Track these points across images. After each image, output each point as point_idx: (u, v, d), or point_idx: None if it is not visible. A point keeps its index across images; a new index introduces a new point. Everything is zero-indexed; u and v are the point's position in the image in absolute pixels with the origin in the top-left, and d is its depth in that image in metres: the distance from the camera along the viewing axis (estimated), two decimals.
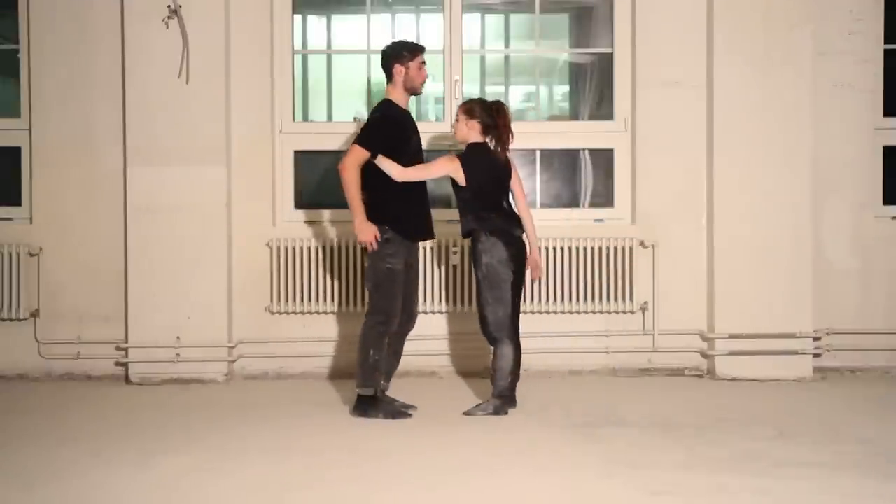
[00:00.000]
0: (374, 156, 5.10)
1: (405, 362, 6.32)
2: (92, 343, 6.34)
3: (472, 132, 5.28)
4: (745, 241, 6.21)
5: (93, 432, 4.89)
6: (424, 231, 5.33)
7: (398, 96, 5.26)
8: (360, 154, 5.09)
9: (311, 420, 5.15)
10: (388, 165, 5.10)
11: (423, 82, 5.31)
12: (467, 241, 5.41)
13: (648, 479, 4.00)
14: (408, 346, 6.22)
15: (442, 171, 5.24)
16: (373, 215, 5.12)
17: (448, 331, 6.37)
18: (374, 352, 5.10)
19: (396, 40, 5.41)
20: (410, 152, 5.22)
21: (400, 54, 5.25)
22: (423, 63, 5.29)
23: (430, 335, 6.25)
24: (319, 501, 3.81)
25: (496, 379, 5.20)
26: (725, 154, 6.23)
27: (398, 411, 5.17)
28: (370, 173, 5.15)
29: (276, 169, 6.45)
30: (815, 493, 3.83)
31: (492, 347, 5.26)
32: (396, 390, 5.31)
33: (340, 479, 4.07)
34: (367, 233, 5.08)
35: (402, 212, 5.17)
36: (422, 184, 5.28)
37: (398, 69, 5.23)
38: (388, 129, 5.16)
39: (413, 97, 5.39)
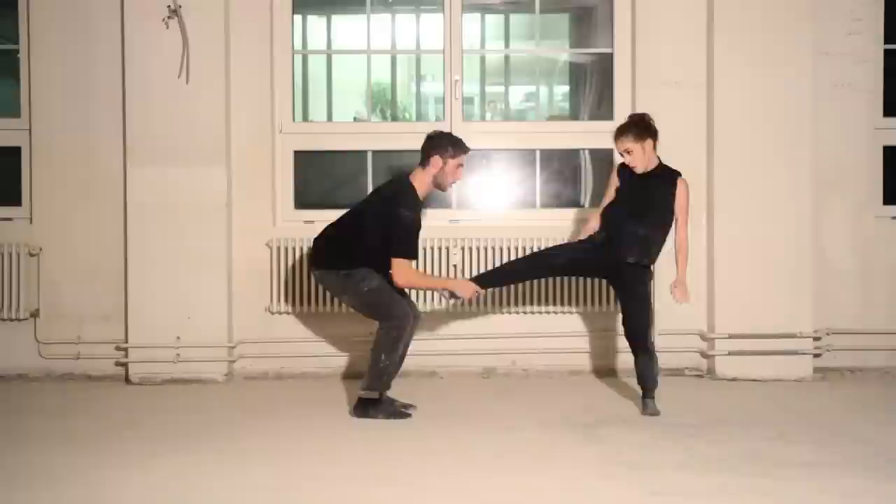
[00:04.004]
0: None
1: (405, 362, 6.32)
2: (92, 343, 6.34)
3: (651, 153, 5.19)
4: (745, 241, 6.21)
5: (93, 433, 4.89)
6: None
7: (422, 186, 5.14)
8: (406, 267, 5.07)
9: (311, 420, 5.15)
10: None
11: (454, 182, 5.20)
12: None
13: (648, 479, 4.00)
14: None
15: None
16: (338, 261, 5.12)
17: (449, 331, 6.37)
18: (384, 356, 5.07)
19: (447, 132, 5.27)
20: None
21: (444, 147, 5.10)
22: (462, 165, 5.16)
23: (430, 335, 6.25)
24: (319, 501, 3.81)
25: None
26: (725, 154, 6.24)
27: (398, 412, 5.17)
28: (352, 229, 5.14)
29: (276, 169, 6.45)
30: (815, 493, 3.83)
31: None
32: (396, 390, 5.31)
33: (340, 479, 4.07)
34: (466, 288, 5.16)
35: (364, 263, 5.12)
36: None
37: (436, 160, 5.09)
38: (417, 234, 5.13)
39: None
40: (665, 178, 5.21)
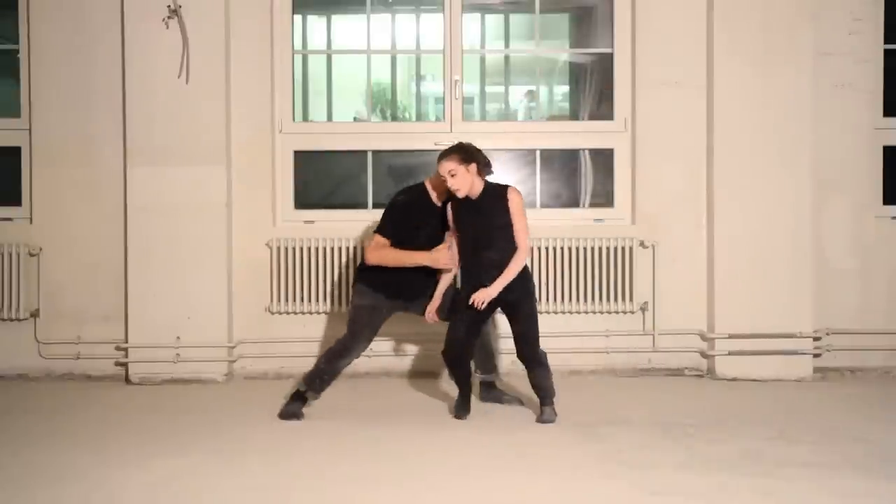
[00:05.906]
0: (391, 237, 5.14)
1: (404, 362, 6.33)
2: (92, 343, 6.34)
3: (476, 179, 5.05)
4: (745, 241, 6.21)
5: (93, 433, 4.89)
6: (398, 294, 5.23)
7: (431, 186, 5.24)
8: (373, 242, 5.15)
9: (311, 421, 5.15)
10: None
11: (451, 188, 5.01)
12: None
13: (648, 479, 4.01)
14: (407, 346, 6.25)
15: None
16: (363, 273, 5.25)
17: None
18: (325, 362, 5.19)
19: (458, 143, 5.13)
20: (419, 241, 5.16)
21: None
22: (443, 176, 4.99)
23: (431, 336, 6.24)
24: (319, 501, 3.81)
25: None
26: (725, 154, 6.24)
27: (292, 413, 5.16)
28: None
29: (276, 169, 6.45)
30: (815, 493, 3.83)
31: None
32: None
33: (340, 478, 4.07)
34: (442, 256, 5.13)
35: (380, 275, 5.16)
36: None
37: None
38: (395, 214, 5.18)
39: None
40: (494, 194, 5.04)
